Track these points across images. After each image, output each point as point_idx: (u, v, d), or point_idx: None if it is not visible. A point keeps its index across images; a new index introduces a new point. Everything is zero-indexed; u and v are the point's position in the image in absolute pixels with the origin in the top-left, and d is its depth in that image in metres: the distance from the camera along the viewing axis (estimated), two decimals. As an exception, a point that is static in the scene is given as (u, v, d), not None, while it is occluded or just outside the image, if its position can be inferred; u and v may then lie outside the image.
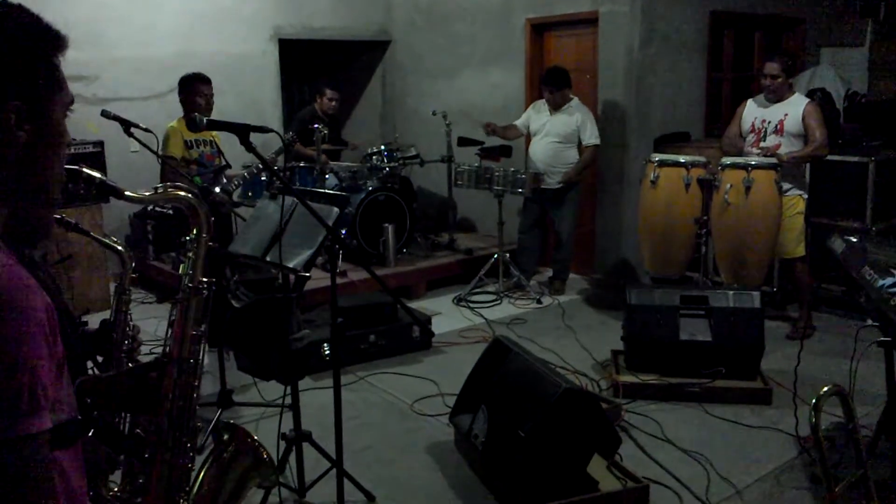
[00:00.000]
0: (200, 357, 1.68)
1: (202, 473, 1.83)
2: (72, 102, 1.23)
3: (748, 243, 4.99)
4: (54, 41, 1.16)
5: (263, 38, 7.68)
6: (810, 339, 5.16)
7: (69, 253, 5.88)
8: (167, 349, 1.67)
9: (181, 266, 1.68)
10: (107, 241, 2.64)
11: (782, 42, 7.36)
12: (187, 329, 1.64)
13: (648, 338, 4.46)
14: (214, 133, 4.86)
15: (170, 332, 1.68)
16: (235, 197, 5.04)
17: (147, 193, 1.54)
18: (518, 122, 6.50)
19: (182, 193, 1.57)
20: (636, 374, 4.45)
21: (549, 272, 6.71)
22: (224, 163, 4.87)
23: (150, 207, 6.48)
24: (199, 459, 1.79)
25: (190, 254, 1.66)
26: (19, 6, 1.14)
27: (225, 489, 1.87)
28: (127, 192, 1.47)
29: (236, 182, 4.97)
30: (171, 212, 6.23)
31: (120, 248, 2.54)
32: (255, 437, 1.96)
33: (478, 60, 7.64)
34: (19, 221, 1.19)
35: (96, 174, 1.42)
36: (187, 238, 1.66)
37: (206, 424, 3.71)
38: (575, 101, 6.25)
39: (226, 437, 1.94)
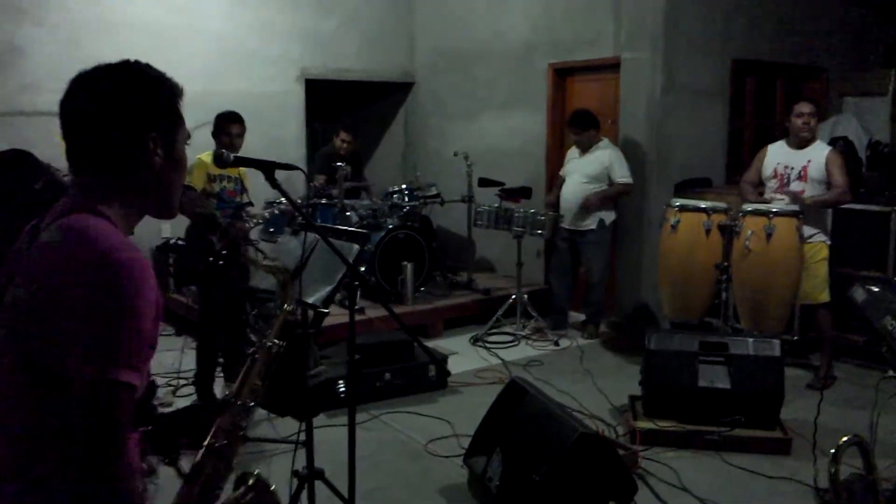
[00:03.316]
0: (253, 405, 1.83)
1: None
2: (189, 137, 1.55)
3: (768, 290, 4.96)
4: (175, 88, 1.51)
5: (290, 78, 7.82)
6: (831, 388, 5.09)
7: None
8: (229, 393, 1.85)
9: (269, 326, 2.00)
10: None
11: (804, 90, 7.38)
12: (251, 378, 1.83)
13: (667, 384, 4.42)
14: (242, 170, 4.93)
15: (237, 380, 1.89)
16: (258, 236, 5.12)
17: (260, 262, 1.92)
18: (561, 172, 6.55)
19: (280, 267, 2.09)
20: (654, 421, 4.40)
21: (581, 316, 6.65)
22: (247, 200, 4.94)
23: (171, 241, 6.56)
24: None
25: (276, 316, 2.01)
26: (147, 64, 1.48)
27: None
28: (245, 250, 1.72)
29: (255, 221, 5.06)
30: (182, 242, 6.25)
31: None
32: (274, 488, 1.93)
33: (498, 103, 7.72)
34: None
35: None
36: (274, 305, 2.08)
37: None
38: (604, 141, 6.29)
39: (251, 482, 1.90)
